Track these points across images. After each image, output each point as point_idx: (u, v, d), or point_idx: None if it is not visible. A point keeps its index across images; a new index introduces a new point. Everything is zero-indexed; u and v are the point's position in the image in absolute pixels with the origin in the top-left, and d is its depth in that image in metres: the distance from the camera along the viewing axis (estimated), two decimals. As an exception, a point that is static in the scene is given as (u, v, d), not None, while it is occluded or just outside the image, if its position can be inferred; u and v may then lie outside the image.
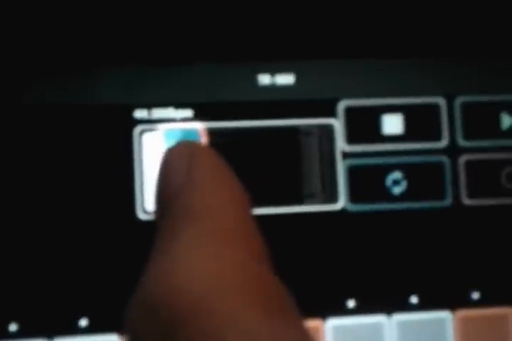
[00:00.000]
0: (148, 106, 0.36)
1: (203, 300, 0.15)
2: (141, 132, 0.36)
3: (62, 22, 0.36)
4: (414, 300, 0.37)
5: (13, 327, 0.34)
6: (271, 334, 0.14)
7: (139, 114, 0.36)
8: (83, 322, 0.35)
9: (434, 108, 0.39)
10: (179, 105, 0.36)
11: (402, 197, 0.38)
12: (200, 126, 0.36)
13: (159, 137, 0.36)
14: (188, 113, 0.36)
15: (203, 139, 0.36)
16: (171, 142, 0.35)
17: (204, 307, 0.15)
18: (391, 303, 0.37)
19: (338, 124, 0.38)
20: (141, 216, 0.36)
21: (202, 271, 0.16)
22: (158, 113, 0.36)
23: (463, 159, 0.39)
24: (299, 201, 0.37)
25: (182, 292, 0.15)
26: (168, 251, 0.17)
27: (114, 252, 0.35)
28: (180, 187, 0.18)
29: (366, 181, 0.38)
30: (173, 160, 0.19)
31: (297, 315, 0.16)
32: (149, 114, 0.36)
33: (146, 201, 0.36)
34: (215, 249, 0.16)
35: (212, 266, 0.16)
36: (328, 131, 0.38)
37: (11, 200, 0.35)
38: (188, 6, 0.37)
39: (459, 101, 0.39)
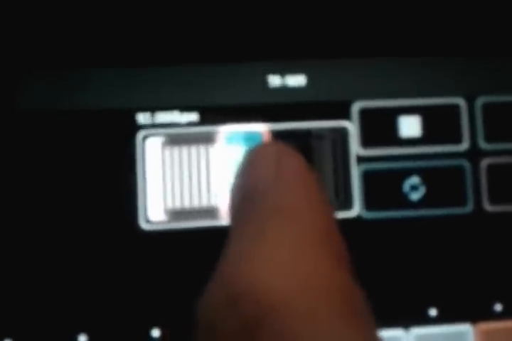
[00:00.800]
0: (152, 109, 0.35)
1: (289, 299, 0.15)
2: (144, 137, 0.35)
3: (56, 21, 0.35)
4: (433, 312, 0.36)
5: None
6: (349, 339, 0.15)
7: (142, 118, 0.35)
8: (82, 339, 0.34)
9: (454, 109, 0.37)
10: (184, 108, 0.35)
11: (420, 204, 0.37)
12: (263, 129, 0.35)
13: (221, 140, 0.35)
14: (194, 116, 0.35)
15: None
16: (235, 145, 0.35)
17: (290, 306, 0.15)
18: (409, 316, 0.36)
19: (352, 127, 0.36)
20: (144, 226, 0.34)
21: (287, 270, 0.16)
22: (161, 117, 0.35)
23: (484, 163, 0.37)
24: (312, 208, 0.35)
25: (268, 289, 0.15)
26: (253, 246, 0.17)
27: (115, 265, 0.34)
28: (268, 184, 0.18)
29: (382, 187, 0.36)
30: (261, 158, 0.19)
31: (374, 322, 0.16)
32: (152, 118, 0.35)
33: (149, 210, 0.34)
34: (301, 249, 0.17)
35: (298, 266, 0.16)
36: (341, 135, 0.36)
37: (8, 211, 0.34)
38: (193, 4, 0.35)
39: (480, 101, 0.38)
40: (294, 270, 0.16)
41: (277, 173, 0.19)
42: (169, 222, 0.34)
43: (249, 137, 0.35)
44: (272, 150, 0.20)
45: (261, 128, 0.35)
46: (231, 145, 0.35)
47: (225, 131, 0.35)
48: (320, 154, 0.36)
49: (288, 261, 0.16)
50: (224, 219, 0.34)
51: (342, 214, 0.36)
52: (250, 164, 0.20)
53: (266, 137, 0.35)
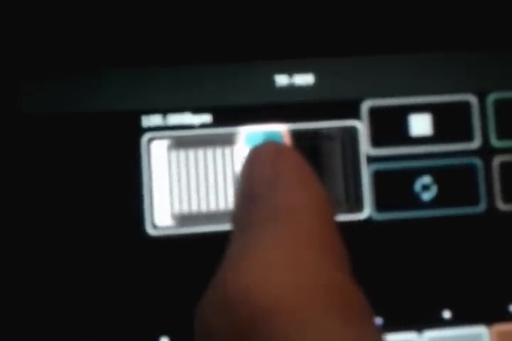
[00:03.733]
0: (153, 112, 0.34)
1: (282, 301, 0.15)
2: (150, 140, 0.34)
3: (61, 22, 0.34)
4: (446, 314, 0.35)
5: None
6: (347, 339, 0.14)
7: (146, 120, 0.34)
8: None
9: (465, 106, 0.37)
10: (186, 109, 0.35)
11: (432, 204, 0.36)
12: (283, 128, 0.35)
13: (241, 140, 0.35)
14: (205, 118, 0.34)
15: (286, 141, 0.35)
16: (243, 146, 0.35)
17: (282, 308, 0.15)
18: (422, 319, 0.35)
19: (361, 126, 0.36)
20: (151, 231, 0.34)
21: (281, 272, 0.16)
22: (161, 119, 0.34)
23: (497, 161, 0.37)
24: (321, 210, 0.35)
25: (260, 292, 0.15)
26: (247, 249, 0.17)
27: (122, 271, 0.33)
28: (265, 185, 0.18)
29: (393, 187, 0.36)
30: (260, 158, 0.19)
31: (374, 323, 0.16)
32: (155, 120, 0.34)
33: (156, 215, 0.34)
34: (296, 251, 0.17)
35: (292, 268, 0.16)
36: (351, 134, 0.36)
37: (12, 216, 0.33)
38: (200, 5, 0.35)
39: (491, 98, 0.37)
40: (289, 272, 0.16)
41: (274, 174, 0.19)
42: (176, 227, 0.34)
43: (269, 137, 0.35)
44: (268, 149, 0.20)
45: (277, 129, 0.35)
46: (239, 147, 0.34)
47: (234, 132, 0.34)
48: (329, 154, 0.35)
49: (283, 263, 0.16)
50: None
51: (352, 216, 0.35)
52: (248, 165, 0.20)
53: (286, 138, 0.35)
